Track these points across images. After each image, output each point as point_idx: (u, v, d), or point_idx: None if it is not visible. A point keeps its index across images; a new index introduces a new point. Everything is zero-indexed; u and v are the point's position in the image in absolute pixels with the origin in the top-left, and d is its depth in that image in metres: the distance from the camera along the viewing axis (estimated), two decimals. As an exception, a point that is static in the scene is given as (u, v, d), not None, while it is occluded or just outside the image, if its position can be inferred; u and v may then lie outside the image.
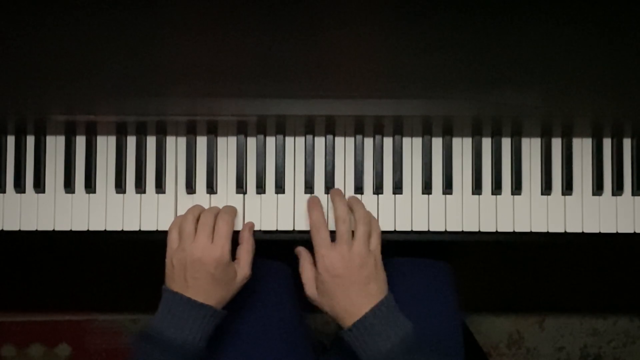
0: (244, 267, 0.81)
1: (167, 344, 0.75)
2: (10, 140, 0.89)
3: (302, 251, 0.84)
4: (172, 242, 0.81)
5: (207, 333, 0.78)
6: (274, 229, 0.89)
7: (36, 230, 0.89)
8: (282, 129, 0.89)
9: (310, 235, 0.82)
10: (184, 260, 0.78)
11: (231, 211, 0.84)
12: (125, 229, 0.89)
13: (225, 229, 0.80)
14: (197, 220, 0.82)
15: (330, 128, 0.89)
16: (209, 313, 0.77)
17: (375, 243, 0.81)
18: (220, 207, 0.88)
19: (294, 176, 0.89)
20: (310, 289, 0.81)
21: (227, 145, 0.89)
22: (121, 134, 0.89)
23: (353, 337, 0.76)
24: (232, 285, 0.80)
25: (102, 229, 0.88)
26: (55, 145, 0.89)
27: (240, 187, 0.89)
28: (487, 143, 0.90)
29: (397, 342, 0.75)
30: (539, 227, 0.89)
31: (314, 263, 0.81)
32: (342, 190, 0.88)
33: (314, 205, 0.84)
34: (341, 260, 0.78)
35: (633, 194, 0.89)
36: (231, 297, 0.80)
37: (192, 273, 0.77)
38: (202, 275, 0.77)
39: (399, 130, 0.89)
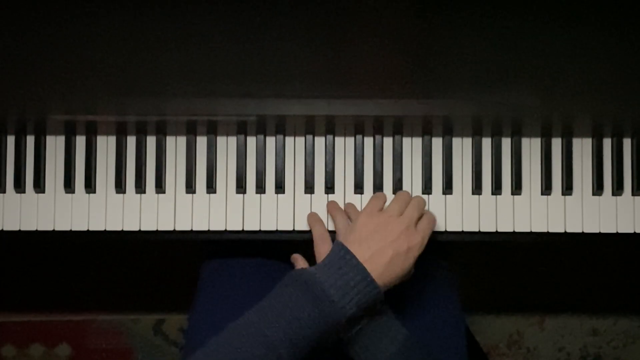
0: (413, 268, 0.78)
1: (328, 301, 0.70)
2: (10, 140, 0.89)
3: (298, 258, 0.83)
4: (376, 205, 0.79)
5: (364, 310, 0.73)
6: (274, 229, 0.89)
7: (36, 230, 0.89)
8: (282, 129, 0.89)
9: (311, 236, 0.83)
10: (387, 227, 0.75)
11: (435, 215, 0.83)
12: (125, 229, 0.88)
13: (433, 224, 0.80)
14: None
15: (330, 128, 0.89)
16: (376, 291, 0.72)
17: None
18: (221, 207, 0.88)
19: (294, 176, 0.89)
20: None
21: (227, 145, 0.89)
22: (121, 134, 0.89)
23: (353, 343, 0.76)
24: (399, 277, 0.75)
25: (102, 229, 0.88)
26: (55, 145, 0.89)
27: (240, 187, 0.89)
28: (487, 143, 0.90)
29: (398, 347, 0.75)
30: (539, 227, 0.89)
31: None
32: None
33: (315, 220, 0.86)
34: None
35: (633, 194, 0.89)
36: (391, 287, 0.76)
37: (383, 244, 0.74)
38: (391, 250, 0.74)
39: (399, 130, 0.89)
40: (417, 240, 0.76)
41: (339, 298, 0.70)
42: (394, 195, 0.89)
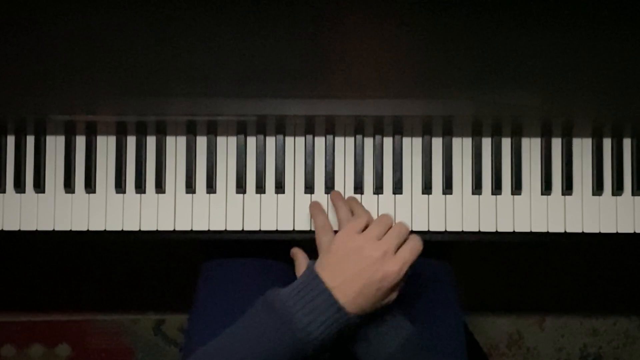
0: (395, 293, 0.73)
1: (291, 325, 0.68)
2: (10, 140, 0.89)
3: (298, 252, 0.82)
4: (357, 226, 0.74)
5: (332, 336, 0.69)
6: (274, 229, 0.89)
7: (36, 230, 0.89)
8: (282, 129, 0.89)
9: (311, 234, 0.82)
10: (361, 252, 0.70)
11: (420, 242, 0.74)
12: (125, 229, 0.88)
13: (416, 251, 0.72)
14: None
15: (330, 128, 0.89)
16: (346, 318, 0.69)
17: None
18: (221, 207, 0.88)
19: (294, 176, 0.89)
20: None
21: (227, 145, 0.89)
22: (121, 134, 0.89)
23: (356, 337, 0.76)
24: (375, 304, 0.71)
25: (102, 229, 0.88)
26: (55, 145, 0.89)
27: (240, 187, 0.89)
28: (487, 143, 0.90)
29: (401, 343, 0.74)
30: (539, 227, 0.89)
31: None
32: (342, 190, 0.88)
33: (317, 209, 0.84)
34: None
35: (633, 194, 0.89)
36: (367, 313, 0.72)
37: (359, 268, 0.69)
38: (364, 276, 0.69)
39: (399, 130, 0.89)
40: (392, 269, 0.70)
41: (306, 324, 0.67)
42: (394, 196, 0.89)
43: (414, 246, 0.72)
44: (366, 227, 0.75)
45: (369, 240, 0.71)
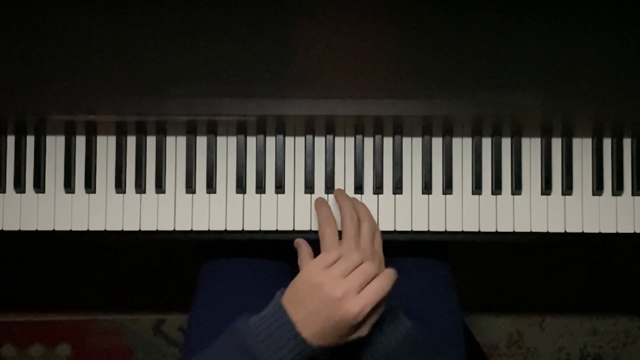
0: (364, 328, 0.70)
1: (250, 355, 0.68)
2: (10, 140, 0.89)
3: (301, 243, 0.80)
4: (327, 260, 0.71)
5: None
6: (274, 229, 0.89)
7: (36, 230, 0.89)
8: (282, 129, 0.89)
9: (311, 234, 0.82)
10: (319, 288, 0.68)
11: (394, 277, 0.72)
12: (125, 229, 0.88)
13: (381, 292, 0.68)
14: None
15: (330, 128, 0.89)
16: (308, 351, 0.68)
17: (378, 244, 0.81)
18: (221, 207, 0.88)
19: (294, 176, 0.89)
20: None
21: (227, 145, 0.89)
22: (121, 134, 0.89)
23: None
24: (341, 339, 0.69)
25: (102, 229, 0.88)
26: (55, 145, 0.89)
27: (240, 187, 0.89)
28: (487, 143, 0.90)
29: (400, 339, 0.75)
30: (539, 227, 0.89)
31: (313, 257, 0.81)
32: (345, 192, 0.88)
33: (321, 203, 0.84)
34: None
35: (633, 194, 0.89)
36: (333, 346, 0.70)
37: (318, 305, 0.68)
38: (324, 315, 0.67)
39: (399, 130, 0.89)
40: (351, 311, 0.66)
41: (268, 356, 0.67)
42: (394, 196, 0.89)
43: (379, 287, 0.69)
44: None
45: (332, 277, 0.69)
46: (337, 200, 0.85)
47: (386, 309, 0.75)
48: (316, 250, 0.81)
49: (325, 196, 0.88)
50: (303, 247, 0.79)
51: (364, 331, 0.70)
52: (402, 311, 0.78)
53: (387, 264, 0.82)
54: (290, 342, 0.68)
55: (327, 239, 0.78)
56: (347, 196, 0.85)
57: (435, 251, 0.98)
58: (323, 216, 0.81)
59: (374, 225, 0.82)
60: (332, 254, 0.71)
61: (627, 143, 0.90)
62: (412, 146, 0.90)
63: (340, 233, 0.81)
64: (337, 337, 0.69)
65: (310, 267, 0.70)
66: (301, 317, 0.68)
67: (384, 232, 0.85)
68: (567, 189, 0.89)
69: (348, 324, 0.67)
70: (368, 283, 0.69)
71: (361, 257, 0.71)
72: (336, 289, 0.67)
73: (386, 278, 0.70)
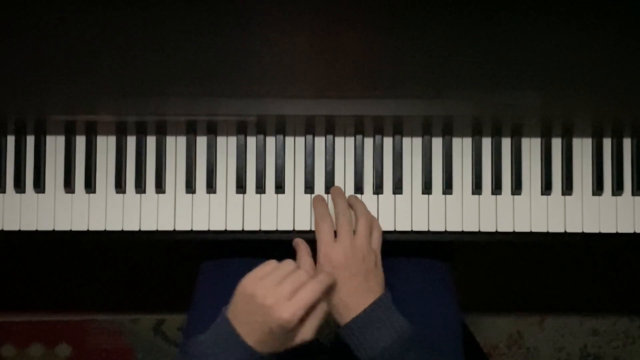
0: (307, 331, 0.72)
1: None
2: (10, 140, 0.89)
3: (300, 243, 0.81)
4: (261, 272, 0.73)
5: None
6: (274, 229, 0.89)
7: (36, 230, 0.89)
8: (282, 129, 0.89)
9: (311, 234, 0.82)
10: (252, 299, 0.71)
11: (327, 282, 0.74)
12: (125, 229, 0.88)
13: (310, 296, 0.71)
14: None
15: (330, 128, 0.89)
16: (254, 358, 0.71)
17: (377, 241, 0.81)
18: (221, 207, 0.88)
19: (294, 176, 0.89)
20: None
21: (227, 145, 0.89)
22: (121, 134, 0.89)
23: (351, 333, 0.76)
24: (286, 344, 0.72)
25: (102, 229, 0.88)
26: (55, 145, 0.89)
27: (240, 187, 0.89)
28: (487, 143, 0.90)
29: (395, 338, 0.75)
30: (539, 227, 0.89)
31: (312, 256, 0.81)
32: (342, 190, 0.88)
33: (318, 200, 0.85)
34: (343, 252, 0.78)
35: (633, 194, 0.89)
36: (281, 351, 0.73)
37: (254, 315, 0.71)
38: (261, 323, 0.70)
39: (399, 130, 0.89)
40: (284, 317, 0.69)
41: None
42: (394, 196, 0.89)
43: (309, 292, 0.71)
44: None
45: (265, 287, 0.71)
46: (333, 198, 0.85)
47: (382, 308, 0.76)
48: (315, 249, 0.81)
49: (325, 196, 0.88)
50: (301, 247, 0.80)
51: (307, 334, 0.72)
52: (398, 311, 0.78)
53: (387, 264, 0.82)
54: (238, 351, 0.70)
55: (323, 236, 0.80)
56: (343, 194, 0.86)
57: (435, 251, 0.98)
58: (319, 213, 0.83)
59: (371, 221, 0.82)
60: (265, 267, 0.74)
61: (627, 143, 0.90)
62: (412, 146, 0.90)
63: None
64: (280, 342, 0.71)
65: (245, 279, 0.73)
66: (243, 327, 0.71)
67: (384, 232, 0.85)
68: (567, 189, 0.89)
69: (284, 329, 0.69)
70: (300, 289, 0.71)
71: (295, 266, 0.74)
72: (267, 298, 0.70)
73: (317, 283, 0.72)
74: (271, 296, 0.70)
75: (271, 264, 0.74)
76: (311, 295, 0.71)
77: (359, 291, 0.77)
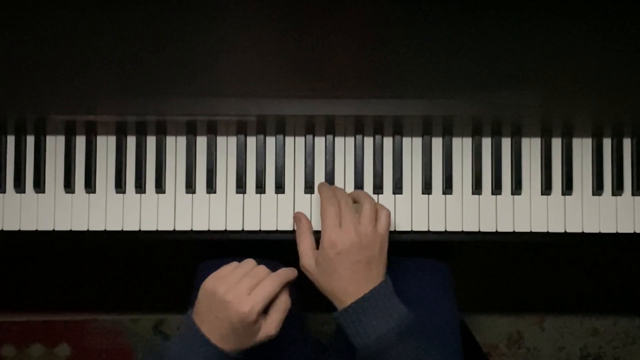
0: (270, 325, 0.75)
1: None
2: (10, 140, 0.89)
3: (302, 217, 0.82)
4: (222, 272, 0.76)
5: None
6: (274, 229, 0.89)
7: (36, 230, 0.89)
8: (282, 129, 0.89)
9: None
10: (212, 298, 0.74)
11: (286, 276, 0.77)
12: (125, 229, 0.89)
13: (268, 289, 0.74)
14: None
15: (330, 128, 0.89)
16: (219, 356, 0.73)
17: (384, 226, 0.80)
18: (221, 207, 0.88)
19: (294, 176, 0.89)
20: (307, 260, 0.79)
21: (227, 145, 0.89)
22: (121, 134, 0.89)
23: (348, 317, 0.76)
24: (250, 340, 0.75)
25: (102, 229, 0.88)
26: (55, 145, 0.89)
27: (240, 187, 0.89)
28: (487, 143, 0.90)
29: (392, 325, 0.74)
30: (539, 227, 0.89)
31: (312, 233, 0.82)
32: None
33: (325, 185, 0.84)
34: (348, 238, 0.77)
35: (633, 194, 0.89)
36: (246, 348, 0.75)
37: (215, 312, 0.73)
38: (222, 319, 0.73)
39: (399, 130, 0.89)
40: (243, 310, 0.72)
41: None
42: (394, 196, 0.89)
43: (268, 286, 0.74)
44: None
45: (225, 284, 0.74)
46: (334, 189, 0.85)
47: (381, 294, 0.76)
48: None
49: (325, 196, 0.88)
50: (303, 222, 0.82)
51: (271, 329, 0.75)
52: (398, 299, 0.78)
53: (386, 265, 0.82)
54: (205, 351, 0.73)
55: (329, 220, 0.78)
56: (342, 189, 0.86)
57: (435, 251, 0.98)
58: (326, 196, 0.81)
59: (375, 207, 0.81)
60: (227, 267, 0.77)
61: (627, 143, 0.90)
62: (412, 146, 0.90)
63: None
64: (243, 338, 0.74)
65: (207, 280, 0.76)
66: (207, 326, 0.73)
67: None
68: (567, 189, 0.89)
69: (245, 324, 0.72)
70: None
71: (254, 264, 0.77)
72: (227, 294, 0.73)
73: (275, 277, 0.75)
74: (231, 292, 0.73)
75: (232, 264, 0.77)
76: (269, 289, 0.74)
77: (360, 278, 0.77)
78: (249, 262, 0.77)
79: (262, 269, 0.76)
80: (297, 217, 0.83)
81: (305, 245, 0.80)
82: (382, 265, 0.79)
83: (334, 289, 0.77)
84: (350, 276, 0.77)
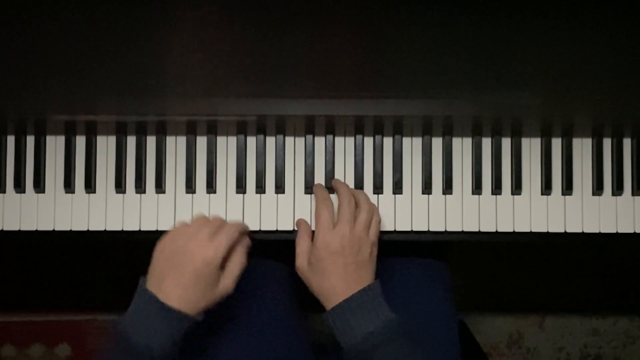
0: (228, 277, 0.76)
1: (132, 344, 0.72)
2: (10, 140, 0.89)
3: (303, 222, 0.85)
4: (176, 230, 0.77)
5: (175, 336, 0.73)
6: (274, 229, 0.89)
7: (36, 230, 0.89)
8: (282, 129, 0.89)
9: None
10: (174, 250, 0.75)
11: (241, 227, 0.79)
12: (125, 229, 0.89)
13: (227, 236, 0.75)
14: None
15: (330, 128, 0.89)
16: (178, 318, 0.73)
17: (374, 233, 0.82)
18: (221, 207, 0.88)
19: (294, 176, 0.89)
20: (302, 261, 0.81)
21: (227, 145, 0.89)
22: (121, 134, 0.89)
23: (336, 317, 0.77)
24: (210, 293, 0.75)
25: (102, 229, 0.88)
26: (55, 145, 0.89)
27: (240, 187, 0.89)
28: (487, 143, 0.90)
29: (379, 326, 0.75)
30: (539, 227, 0.89)
31: (311, 238, 0.82)
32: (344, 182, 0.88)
33: (320, 187, 0.86)
34: (341, 239, 0.78)
35: (633, 194, 0.89)
36: (206, 307, 0.75)
37: (176, 263, 0.74)
38: (185, 269, 0.73)
39: (399, 130, 0.89)
40: (208, 254, 0.74)
41: (145, 338, 0.72)
42: (394, 196, 0.89)
43: (227, 233, 0.76)
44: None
45: (185, 236, 0.75)
46: (336, 186, 0.85)
47: (369, 296, 0.77)
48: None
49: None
50: (303, 226, 0.83)
51: (228, 283, 0.76)
52: (388, 304, 0.78)
53: (385, 264, 0.82)
54: (161, 316, 0.72)
55: (322, 221, 0.80)
56: (346, 184, 0.86)
57: (435, 251, 0.98)
58: (321, 197, 0.83)
59: (372, 213, 0.82)
60: (179, 225, 0.78)
61: (627, 143, 0.90)
62: (412, 146, 0.90)
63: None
64: (204, 291, 0.74)
65: (160, 241, 0.77)
66: (165, 285, 0.74)
67: (384, 232, 0.85)
68: (567, 189, 0.89)
69: (210, 269, 0.73)
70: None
71: (206, 218, 0.78)
72: (189, 243, 0.74)
73: (233, 225, 0.77)
74: (192, 240, 0.74)
75: (183, 223, 0.78)
76: (230, 235, 0.75)
77: (350, 279, 0.78)
78: (202, 216, 0.79)
79: (218, 218, 0.78)
80: (299, 222, 0.85)
81: (301, 247, 0.82)
82: (371, 269, 0.80)
83: (324, 289, 0.78)
84: (340, 277, 0.78)
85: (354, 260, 0.78)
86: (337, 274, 0.78)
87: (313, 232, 0.83)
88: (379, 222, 0.83)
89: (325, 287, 0.78)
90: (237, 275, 0.77)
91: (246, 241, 0.79)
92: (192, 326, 0.75)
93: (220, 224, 0.77)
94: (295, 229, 0.87)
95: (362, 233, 0.80)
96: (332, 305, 0.77)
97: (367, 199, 0.84)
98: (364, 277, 0.79)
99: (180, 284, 0.73)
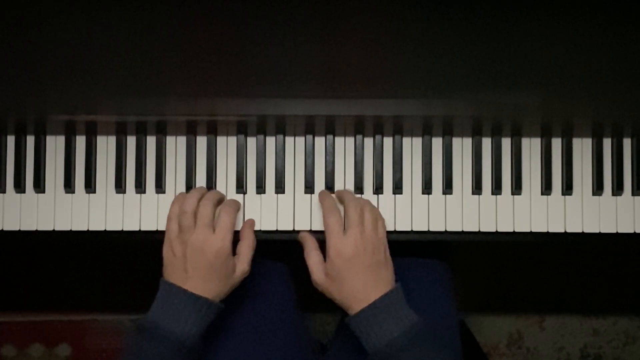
0: (243, 262, 0.81)
1: (162, 336, 0.74)
2: (10, 140, 0.89)
3: (306, 236, 0.84)
4: (171, 232, 0.80)
5: (203, 325, 0.77)
6: (274, 229, 0.88)
7: (36, 230, 0.89)
8: (282, 129, 0.89)
9: (312, 234, 0.83)
10: (184, 251, 0.78)
11: (234, 204, 0.84)
12: (125, 229, 0.89)
13: (227, 220, 0.80)
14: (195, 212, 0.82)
15: (330, 128, 0.89)
16: (206, 305, 0.77)
17: (382, 231, 0.82)
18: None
19: (294, 176, 0.89)
20: (318, 274, 0.80)
21: (227, 145, 0.89)
22: (121, 134, 0.89)
23: (360, 322, 0.76)
24: (230, 279, 0.79)
25: (102, 229, 0.88)
26: (55, 145, 0.89)
27: (240, 187, 0.89)
28: (487, 143, 0.90)
29: (404, 330, 0.75)
30: (539, 227, 0.89)
31: (319, 250, 0.82)
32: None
33: (325, 194, 0.86)
34: (354, 244, 0.78)
35: (633, 194, 0.89)
36: (228, 292, 0.80)
37: (192, 263, 0.77)
38: (201, 265, 0.77)
39: (399, 130, 0.89)
40: (217, 244, 0.77)
41: (175, 327, 0.75)
42: (394, 196, 0.89)
43: (225, 217, 0.80)
44: None
45: (184, 235, 0.79)
46: (340, 195, 0.85)
47: (393, 300, 0.77)
48: (321, 246, 0.81)
49: (325, 196, 0.88)
50: (308, 241, 0.82)
51: (244, 268, 0.80)
52: (407, 305, 0.78)
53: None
54: (190, 305, 0.76)
55: (332, 228, 0.80)
56: (350, 192, 0.86)
57: (435, 251, 0.98)
58: (327, 205, 0.83)
59: (376, 213, 0.82)
60: (170, 227, 0.81)
61: (627, 143, 0.90)
62: (412, 146, 0.90)
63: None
64: (223, 279, 0.78)
65: (165, 246, 0.80)
66: (188, 280, 0.77)
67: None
68: (567, 189, 0.89)
69: (222, 259, 0.77)
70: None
71: (192, 206, 0.81)
72: (195, 242, 0.78)
73: (227, 206, 0.82)
74: (198, 240, 0.78)
75: (171, 222, 0.81)
76: (228, 219, 0.80)
77: (369, 283, 0.77)
78: (193, 196, 0.81)
79: (208, 205, 0.80)
80: (302, 236, 0.85)
81: (313, 262, 0.81)
82: (390, 267, 0.80)
83: (344, 297, 0.78)
84: (359, 281, 0.77)
85: (371, 262, 0.78)
86: (357, 279, 0.77)
87: (318, 241, 0.83)
88: (384, 222, 0.83)
89: (345, 294, 0.78)
90: (250, 258, 0.81)
91: (250, 221, 0.85)
92: (217, 313, 0.78)
93: (211, 212, 0.80)
94: (296, 229, 0.87)
95: (372, 233, 0.79)
96: (355, 312, 0.77)
97: (370, 202, 0.84)
98: (385, 276, 0.79)
99: (200, 276, 0.77)
